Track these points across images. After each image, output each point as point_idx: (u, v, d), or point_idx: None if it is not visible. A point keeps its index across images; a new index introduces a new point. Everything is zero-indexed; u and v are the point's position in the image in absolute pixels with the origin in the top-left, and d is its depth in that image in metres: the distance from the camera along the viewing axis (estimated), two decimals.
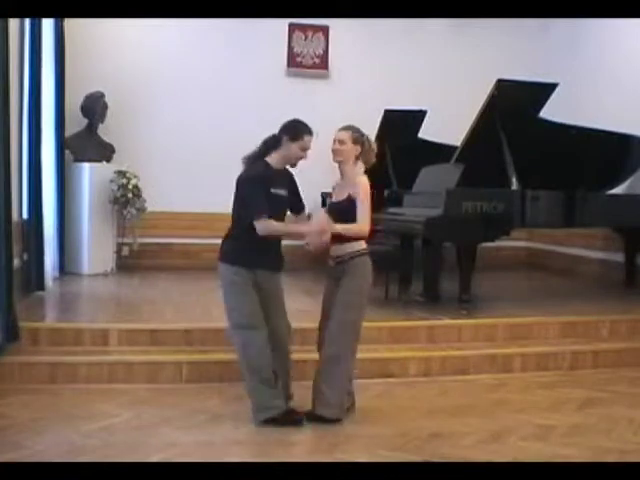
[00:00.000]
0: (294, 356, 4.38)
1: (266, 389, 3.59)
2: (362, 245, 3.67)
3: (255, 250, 3.56)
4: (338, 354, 3.64)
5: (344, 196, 3.68)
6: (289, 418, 3.60)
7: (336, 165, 3.75)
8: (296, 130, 3.59)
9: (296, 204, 3.82)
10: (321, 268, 3.95)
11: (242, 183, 3.59)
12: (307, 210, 3.91)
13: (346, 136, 3.66)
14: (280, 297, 3.78)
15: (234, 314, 3.61)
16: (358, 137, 3.69)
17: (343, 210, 3.66)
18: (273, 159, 3.63)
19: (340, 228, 3.58)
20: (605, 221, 6.19)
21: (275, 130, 3.67)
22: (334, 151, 3.68)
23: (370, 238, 3.74)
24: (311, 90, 8.06)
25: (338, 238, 3.61)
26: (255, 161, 3.64)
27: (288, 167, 3.73)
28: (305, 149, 3.61)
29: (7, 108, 4.36)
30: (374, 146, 3.77)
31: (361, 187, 3.63)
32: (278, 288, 3.77)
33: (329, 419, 3.62)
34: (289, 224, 3.70)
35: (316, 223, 3.58)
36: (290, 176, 3.77)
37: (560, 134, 5.81)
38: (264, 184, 3.53)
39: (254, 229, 3.48)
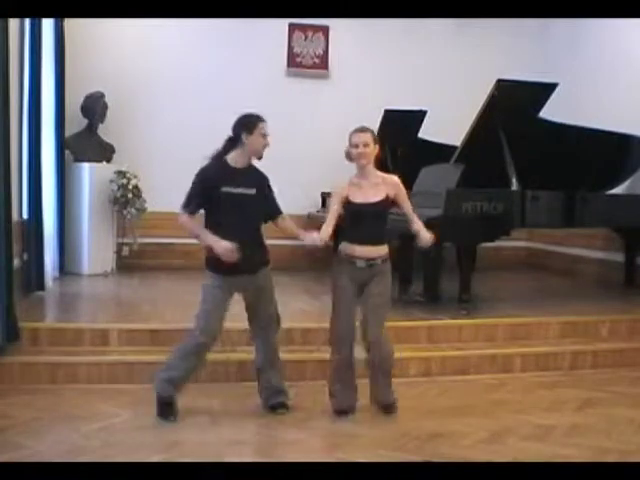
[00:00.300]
0: (294, 356, 4.40)
1: (174, 373, 3.66)
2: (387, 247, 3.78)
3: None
4: (393, 350, 3.84)
5: (378, 197, 3.69)
6: (165, 408, 3.64)
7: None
8: (250, 122, 3.62)
9: (269, 209, 3.79)
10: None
11: None
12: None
13: (370, 138, 3.69)
14: (268, 289, 3.79)
15: (202, 317, 3.65)
16: (376, 137, 3.75)
17: (382, 211, 3.73)
18: (233, 158, 3.65)
19: (429, 235, 3.75)
20: (605, 221, 6.18)
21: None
22: (361, 154, 3.67)
23: None
24: (311, 90, 8.06)
25: (376, 239, 3.70)
26: (212, 160, 3.68)
27: (259, 167, 3.73)
28: (265, 135, 3.65)
29: (7, 108, 4.36)
30: None
31: (401, 186, 3.77)
32: (266, 281, 3.78)
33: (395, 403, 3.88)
34: (203, 231, 3.60)
35: (224, 245, 3.51)
36: (260, 177, 3.74)
37: (560, 134, 5.80)
38: (211, 182, 3.58)
39: (218, 231, 3.54)
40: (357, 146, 3.67)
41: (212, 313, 3.64)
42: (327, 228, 3.67)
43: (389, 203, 3.74)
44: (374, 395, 3.89)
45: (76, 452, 3.20)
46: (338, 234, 3.80)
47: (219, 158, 3.67)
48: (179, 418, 3.65)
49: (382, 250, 3.74)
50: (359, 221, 3.70)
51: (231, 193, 3.58)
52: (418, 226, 3.79)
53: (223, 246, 3.49)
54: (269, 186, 3.79)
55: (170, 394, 3.67)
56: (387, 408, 3.87)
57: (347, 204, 3.71)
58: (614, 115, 6.61)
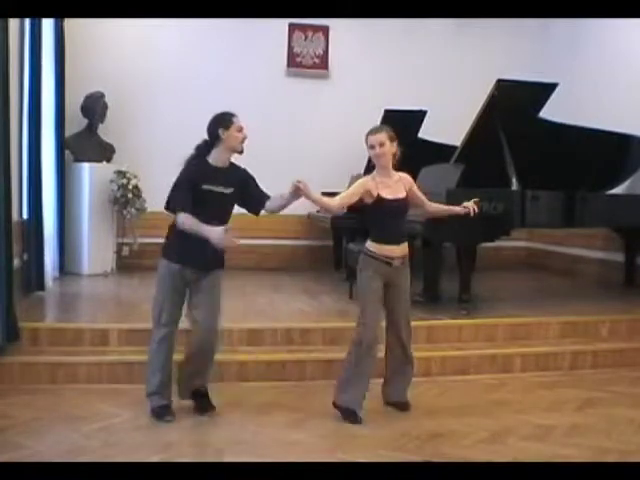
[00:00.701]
0: (294, 356, 4.40)
1: (153, 380, 3.68)
2: None
3: (183, 246, 3.58)
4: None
5: (402, 193, 3.73)
6: (160, 412, 3.65)
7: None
8: (224, 119, 3.64)
9: (254, 201, 3.76)
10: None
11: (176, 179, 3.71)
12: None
13: (385, 137, 3.69)
14: (210, 295, 3.68)
15: (156, 308, 3.68)
16: (393, 135, 3.74)
17: (407, 207, 3.79)
18: (214, 157, 3.67)
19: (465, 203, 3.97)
20: (605, 221, 6.17)
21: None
22: (379, 155, 3.68)
23: None
24: (311, 90, 8.06)
25: (405, 237, 3.74)
26: (192, 160, 3.69)
27: (238, 163, 3.74)
28: (241, 129, 3.66)
29: (7, 108, 4.37)
30: None
31: (412, 180, 3.86)
32: (212, 286, 3.70)
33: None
34: (200, 224, 3.51)
35: (217, 230, 3.43)
36: (240, 175, 3.73)
37: (560, 134, 5.80)
38: (194, 180, 3.60)
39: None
40: (373, 147, 3.68)
41: (165, 304, 3.65)
42: (342, 201, 3.66)
43: (409, 199, 3.79)
44: (396, 394, 3.91)
45: (76, 452, 3.20)
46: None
47: (199, 158, 3.68)
48: (178, 418, 3.65)
49: (407, 246, 3.79)
50: (392, 218, 3.69)
51: (211, 191, 3.60)
52: (444, 207, 3.99)
53: (218, 231, 3.41)
54: (249, 176, 3.77)
55: (164, 403, 3.68)
56: (405, 406, 3.90)
57: (379, 201, 3.66)
58: (614, 115, 6.61)
